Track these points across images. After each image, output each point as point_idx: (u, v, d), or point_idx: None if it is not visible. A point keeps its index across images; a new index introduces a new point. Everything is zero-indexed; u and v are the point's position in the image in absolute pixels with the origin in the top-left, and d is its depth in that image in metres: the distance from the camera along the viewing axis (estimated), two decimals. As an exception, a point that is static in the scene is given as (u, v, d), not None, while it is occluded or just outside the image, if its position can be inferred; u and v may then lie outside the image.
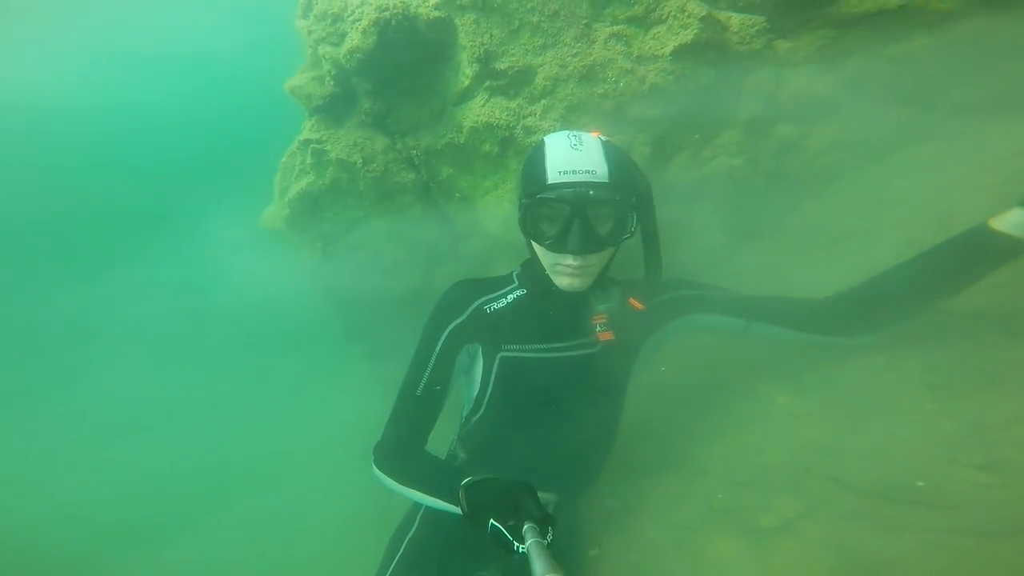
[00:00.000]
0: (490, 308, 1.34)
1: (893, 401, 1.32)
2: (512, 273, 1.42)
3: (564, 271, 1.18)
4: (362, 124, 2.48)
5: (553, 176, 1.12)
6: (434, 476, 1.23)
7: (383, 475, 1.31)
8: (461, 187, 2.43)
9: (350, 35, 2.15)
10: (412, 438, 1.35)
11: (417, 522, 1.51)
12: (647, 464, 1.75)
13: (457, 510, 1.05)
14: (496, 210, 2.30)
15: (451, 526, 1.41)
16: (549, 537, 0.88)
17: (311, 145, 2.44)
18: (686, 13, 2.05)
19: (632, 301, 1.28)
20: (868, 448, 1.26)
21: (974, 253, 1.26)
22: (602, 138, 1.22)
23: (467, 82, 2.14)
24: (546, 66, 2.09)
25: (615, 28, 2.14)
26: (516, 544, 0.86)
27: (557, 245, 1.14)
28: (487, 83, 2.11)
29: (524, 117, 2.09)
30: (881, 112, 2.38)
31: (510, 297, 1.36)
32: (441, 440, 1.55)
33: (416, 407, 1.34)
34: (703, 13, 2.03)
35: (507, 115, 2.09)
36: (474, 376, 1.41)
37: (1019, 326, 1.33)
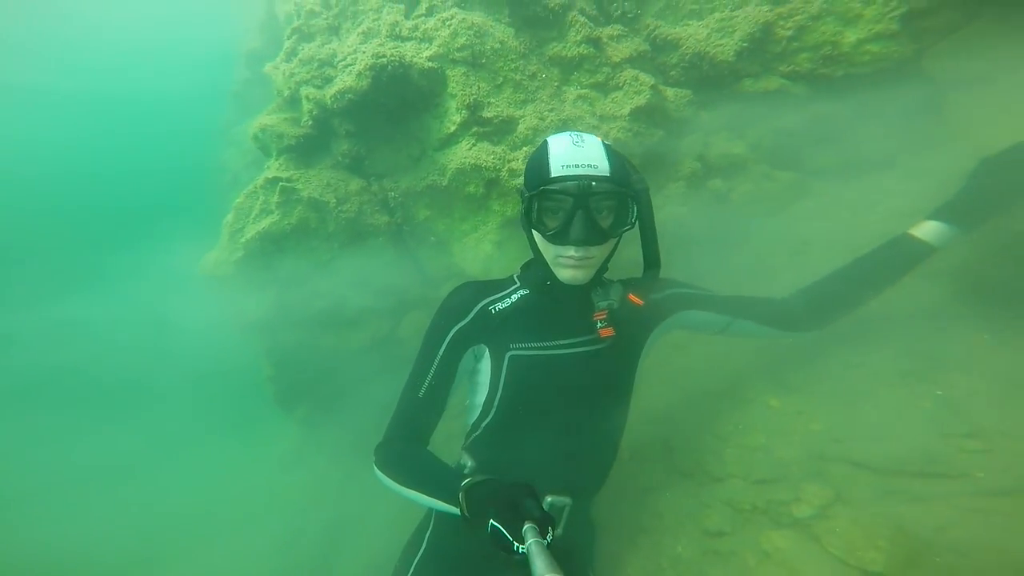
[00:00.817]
0: (495, 308, 1.32)
1: (873, 391, 1.52)
2: (513, 275, 1.42)
3: (566, 263, 1.18)
4: (336, 165, 2.46)
5: (556, 170, 1.13)
6: (434, 477, 1.19)
7: (383, 476, 1.26)
8: (438, 230, 2.45)
9: (341, 77, 2.20)
10: (413, 439, 1.31)
11: (425, 543, 1.40)
12: (657, 482, 1.76)
13: (456, 511, 1.03)
14: (476, 252, 2.34)
15: (460, 543, 1.36)
16: (549, 537, 0.88)
17: (280, 183, 2.34)
18: (639, 82, 2.42)
19: (632, 297, 1.28)
20: (870, 432, 1.41)
21: (900, 256, 1.50)
22: (603, 141, 1.29)
23: (453, 128, 2.26)
24: (526, 118, 2.29)
25: (581, 91, 2.44)
26: (516, 544, 0.86)
27: (560, 236, 1.13)
28: (474, 129, 2.25)
29: (508, 162, 2.23)
30: (777, 173, 2.93)
31: (514, 297, 1.34)
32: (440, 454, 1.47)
33: (418, 409, 1.31)
34: (652, 82, 2.41)
35: (493, 158, 2.21)
36: (480, 380, 1.37)
37: (942, 321, 1.65)
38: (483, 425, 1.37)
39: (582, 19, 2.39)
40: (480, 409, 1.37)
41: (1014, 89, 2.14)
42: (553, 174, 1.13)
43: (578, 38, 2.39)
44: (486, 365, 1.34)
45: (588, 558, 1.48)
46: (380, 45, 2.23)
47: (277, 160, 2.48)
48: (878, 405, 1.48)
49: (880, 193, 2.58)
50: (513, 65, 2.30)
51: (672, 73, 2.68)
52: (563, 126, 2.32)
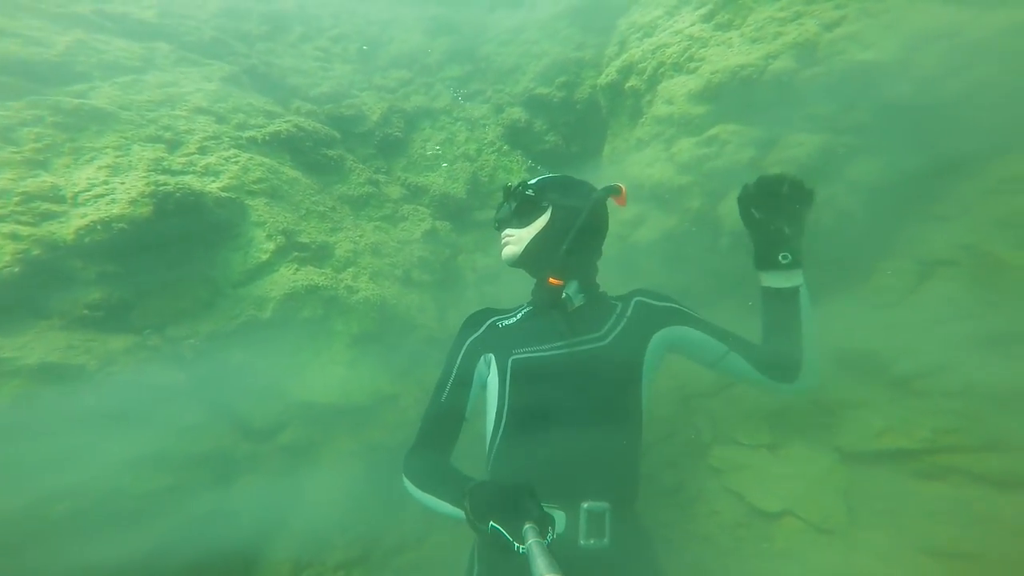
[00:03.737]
0: (502, 324, 1.54)
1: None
2: (521, 303, 1.62)
3: (501, 244, 1.52)
4: (74, 323, 1.72)
5: None
6: (448, 483, 1.27)
7: (408, 483, 1.35)
8: (258, 371, 2.01)
9: (99, 206, 1.70)
10: (437, 445, 1.41)
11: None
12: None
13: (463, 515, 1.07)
14: (326, 378, 2.06)
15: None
16: (549, 537, 0.91)
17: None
18: (419, 214, 2.92)
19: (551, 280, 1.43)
20: (698, 375, 2.13)
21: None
22: (559, 175, 1.56)
23: (267, 256, 2.05)
24: (341, 243, 2.34)
25: (374, 223, 2.71)
26: (516, 544, 0.89)
27: (498, 227, 1.56)
28: (294, 255, 2.11)
29: (342, 280, 2.19)
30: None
31: (519, 314, 1.55)
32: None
33: (441, 414, 1.44)
34: (430, 212, 2.96)
35: (325, 279, 2.12)
36: (490, 391, 1.47)
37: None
38: (499, 435, 1.41)
39: (361, 166, 2.76)
40: (493, 420, 1.44)
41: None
42: None
43: (361, 180, 2.72)
44: (494, 375, 1.46)
45: (650, 572, 1.39)
46: (147, 174, 1.88)
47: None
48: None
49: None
50: (313, 199, 2.37)
51: (428, 210, 3.32)
52: (375, 248, 2.48)
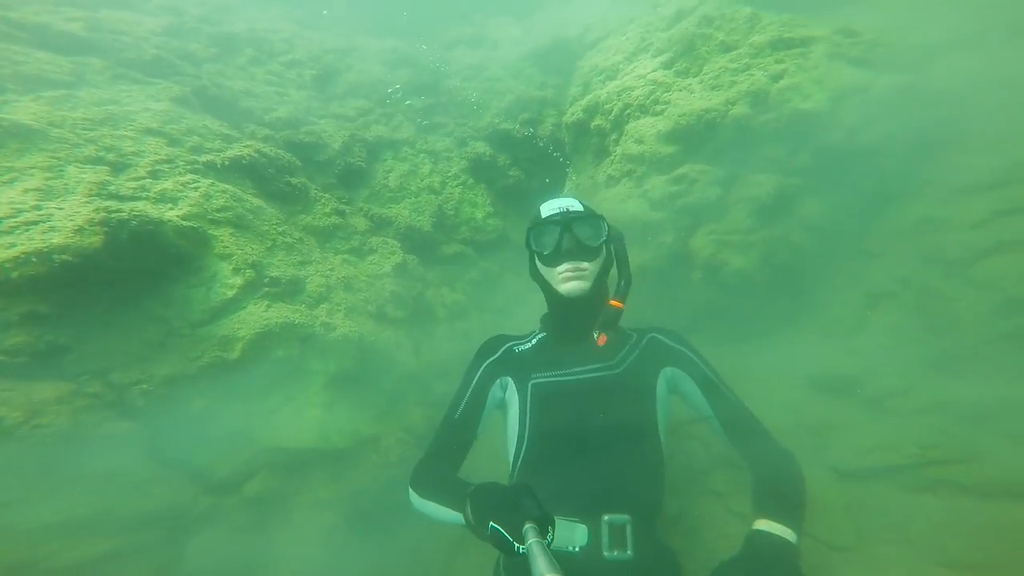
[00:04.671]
0: (518, 348, 1.58)
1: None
2: (534, 329, 1.66)
3: (565, 277, 1.43)
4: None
5: (545, 213, 1.52)
6: (449, 489, 1.27)
7: (412, 491, 1.35)
8: (223, 419, 1.78)
9: (33, 235, 1.43)
10: (446, 458, 1.42)
11: None
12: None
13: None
14: (300, 421, 1.88)
15: None
16: (550, 537, 0.90)
17: None
18: (388, 247, 2.80)
19: (612, 302, 1.49)
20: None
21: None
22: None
23: (233, 292, 1.85)
24: (312, 277, 2.17)
25: (341, 256, 2.55)
26: (516, 545, 0.88)
27: (554, 257, 1.44)
28: (264, 290, 1.92)
29: (316, 317, 2.02)
30: (482, 315, 3.82)
31: (534, 340, 1.59)
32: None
33: (453, 429, 1.47)
34: (399, 245, 2.85)
35: (300, 316, 1.95)
36: (511, 412, 1.50)
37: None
38: (521, 456, 1.43)
39: (326, 195, 2.60)
40: (515, 440, 1.46)
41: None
42: (543, 216, 1.52)
43: (327, 210, 2.57)
44: (513, 397, 1.50)
45: None
46: (91, 198, 1.64)
47: None
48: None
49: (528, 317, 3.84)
50: (280, 229, 2.19)
51: (397, 243, 3.19)
52: (348, 283, 2.33)
